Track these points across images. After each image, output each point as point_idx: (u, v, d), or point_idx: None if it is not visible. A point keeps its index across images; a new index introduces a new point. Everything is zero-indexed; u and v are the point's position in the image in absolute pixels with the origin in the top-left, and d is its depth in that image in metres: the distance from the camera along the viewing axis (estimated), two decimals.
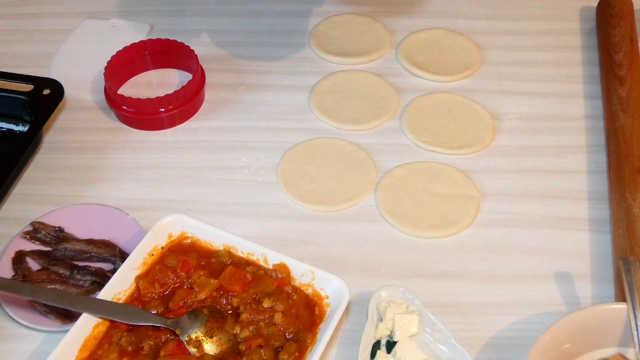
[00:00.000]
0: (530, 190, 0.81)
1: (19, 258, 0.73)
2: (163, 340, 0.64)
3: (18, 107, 0.84)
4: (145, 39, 0.95)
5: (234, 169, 0.83)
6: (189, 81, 0.87)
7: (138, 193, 0.81)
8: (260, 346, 0.63)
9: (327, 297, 0.67)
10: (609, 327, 0.65)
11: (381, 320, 0.67)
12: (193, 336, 0.64)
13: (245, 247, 0.70)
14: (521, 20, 1.02)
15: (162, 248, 0.70)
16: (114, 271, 0.69)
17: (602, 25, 0.96)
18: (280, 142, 0.86)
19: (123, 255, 0.72)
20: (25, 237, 0.75)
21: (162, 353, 0.63)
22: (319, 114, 0.89)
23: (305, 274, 0.68)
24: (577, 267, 0.74)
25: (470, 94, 0.91)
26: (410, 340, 0.66)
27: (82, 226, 0.76)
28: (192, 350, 0.63)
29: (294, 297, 0.66)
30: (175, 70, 0.95)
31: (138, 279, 0.68)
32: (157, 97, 0.85)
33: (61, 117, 0.89)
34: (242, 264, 0.69)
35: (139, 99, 0.85)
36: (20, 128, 0.85)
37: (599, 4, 1.00)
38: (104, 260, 0.73)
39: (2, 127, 0.86)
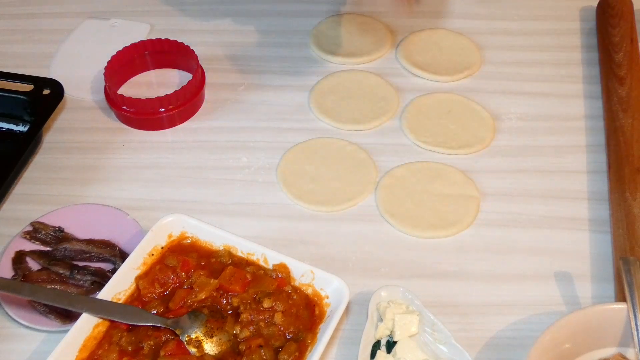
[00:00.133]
0: (530, 190, 0.81)
1: (19, 258, 0.73)
2: (163, 340, 0.64)
3: (18, 107, 0.84)
4: (145, 39, 0.95)
5: (234, 169, 0.83)
6: (189, 81, 0.87)
7: (138, 193, 0.81)
8: (260, 346, 0.63)
9: (327, 297, 0.67)
10: (609, 327, 0.65)
11: (381, 320, 0.67)
12: (193, 336, 0.64)
13: (245, 247, 0.70)
14: (521, 20, 1.02)
15: (162, 248, 0.71)
16: (114, 271, 0.69)
17: (602, 25, 0.96)
18: (280, 142, 0.86)
19: (123, 255, 0.72)
20: (25, 237, 0.75)
21: (162, 353, 0.63)
22: (319, 114, 0.89)
23: (305, 274, 0.68)
24: (577, 267, 0.74)
25: (470, 94, 0.91)
26: (410, 340, 0.66)
27: (82, 226, 0.76)
28: (192, 350, 0.63)
29: (294, 297, 0.66)
30: (175, 70, 0.95)
31: (138, 279, 0.68)
32: (157, 97, 0.85)
33: (61, 117, 0.89)
34: (242, 264, 0.69)
35: (139, 99, 0.85)
36: (20, 128, 0.85)
37: (599, 4, 1.00)
38: (104, 260, 0.73)
39: (2, 127, 0.86)
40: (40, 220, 0.76)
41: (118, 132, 0.87)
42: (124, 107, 0.86)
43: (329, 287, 0.67)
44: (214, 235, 0.71)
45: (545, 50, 0.98)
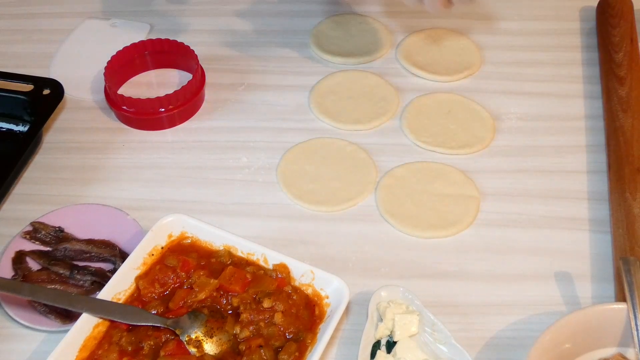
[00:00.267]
0: (530, 190, 0.81)
1: (19, 258, 0.73)
2: (163, 340, 0.64)
3: (18, 107, 0.84)
4: (145, 39, 0.95)
5: (234, 169, 0.83)
6: (189, 81, 0.87)
7: (138, 193, 0.81)
8: (260, 346, 0.63)
9: (327, 297, 0.67)
10: (609, 327, 0.65)
11: (381, 320, 0.67)
12: (193, 336, 0.64)
13: (245, 247, 0.70)
14: (521, 20, 1.02)
15: (162, 248, 0.70)
16: (114, 271, 0.69)
17: (602, 25, 0.96)
18: (280, 142, 0.86)
19: (123, 255, 0.72)
20: (25, 237, 0.75)
21: (162, 353, 0.63)
22: (319, 114, 0.89)
23: (305, 274, 0.68)
24: (577, 267, 0.74)
25: (470, 94, 0.91)
26: (410, 340, 0.66)
27: (82, 226, 0.76)
28: (192, 350, 0.63)
29: (294, 297, 0.66)
30: (175, 70, 0.95)
31: (138, 279, 0.68)
32: (157, 97, 0.85)
33: (61, 117, 0.89)
34: (242, 264, 0.69)
35: (139, 99, 0.85)
36: (20, 128, 0.85)
37: (599, 4, 1.00)
38: (104, 260, 0.73)
39: (2, 127, 0.86)
40: (40, 220, 0.76)
41: (118, 132, 0.87)
42: (124, 107, 0.86)
43: (329, 287, 0.67)
44: (214, 235, 0.71)
45: (545, 50, 0.98)
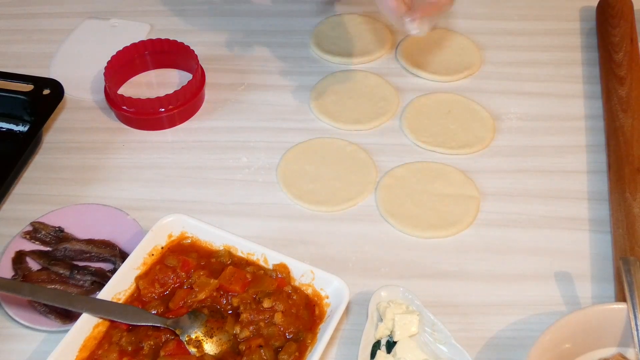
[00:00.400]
0: (530, 190, 0.81)
1: (19, 258, 0.73)
2: (163, 340, 0.64)
3: (18, 107, 0.84)
4: (145, 39, 0.95)
5: (234, 169, 0.83)
6: (189, 81, 0.87)
7: (138, 193, 0.81)
8: (260, 346, 0.63)
9: (327, 297, 0.67)
10: (609, 327, 0.65)
11: (381, 320, 0.67)
12: (193, 336, 0.64)
13: (245, 247, 0.70)
14: (521, 20, 1.02)
15: (162, 248, 0.70)
16: (114, 271, 0.69)
17: (602, 25, 0.96)
18: (280, 142, 0.86)
19: (123, 255, 0.72)
20: (25, 237, 0.75)
21: (162, 353, 0.63)
22: (319, 114, 0.89)
23: (305, 274, 0.68)
24: (577, 267, 0.74)
25: (470, 94, 0.91)
26: (410, 340, 0.66)
27: (82, 226, 0.76)
28: (192, 350, 0.63)
29: (294, 297, 0.66)
30: (175, 70, 0.95)
31: (138, 279, 0.68)
32: (157, 97, 0.85)
33: (61, 117, 0.89)
34: (242, 264, 0.69)
35: (139, 99, 0.85)
36: (20, 128, 0.85)
37: (599, 4, 1.00)
38: (104, 260, 0.73)
39: (2, 127, 0.86)
40: (40, 220, 0.76)
41: (118, 132, 0.87)
42: (124, 107, 0.86)
43: (329, 287, 0.67)
44: (214, 235, 0.71)
45: (545, 50, 0.98)
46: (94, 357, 0.63)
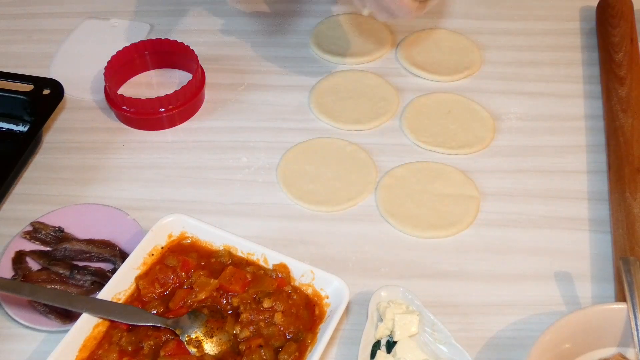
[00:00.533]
0: (530, 190, 0.81)
1: (19, 258, 0.73)
2: (163, 340, 0.64)
3: (18, 107, 0.84)
4: (145, 39, 0.95)
5: (234, 169, 0.83)
6: (189, 81, 0.87)
7: (138, 193, 0.81)
8: (260, 346, 0.63)
9: (327, 297, 0.67)
10: (609, 327, 0.65)
11: (381, 320, 0.67)
12: (193, 336, 0.64)
13: (245, 247, 0.70)
14: (521, 20, 1.02)
15: (162, 248, 0.70)
16: (114, 271, 0.69)
17: (602, 25, 0.96)
18: (280, 142, 0.86)
19: (123, 255, 0.72)
20: (25, 237, 0.75)
21: (162, 353, 0.63)
22: (319, 114, 0.89)
23: (305, 274, 0.68)
24: (577, 267, 0.74)
25: (470, 94, 0.91)
26: (410, 340, 0.66)
27: (82, 226, 0.76)
28: (192, 350, 0.63)
29: (294, 297, 0.66)
30: (175, 70, 0.95)
31: (138, 279, 0.68)
32: (157, 97, 0.85)
33: (61, 117, 0.89)
34: (242, 264, 0.69)
35: (139, 99, 0.85)
36: (20, 128, 0.85)
37: (599, 4, 1.00)
38: (104, 260, 0.73)
39: (2, 127, 0.86)
40: (40, 220, 0.76)
41: (118, 132, 0.87)
42: (124, 107, 0.86)
43: (329, 287, 0.67)
44: (214, 235, 0.71)
45: (545, 50, 0.98)
46: (94, 357, 0.63)
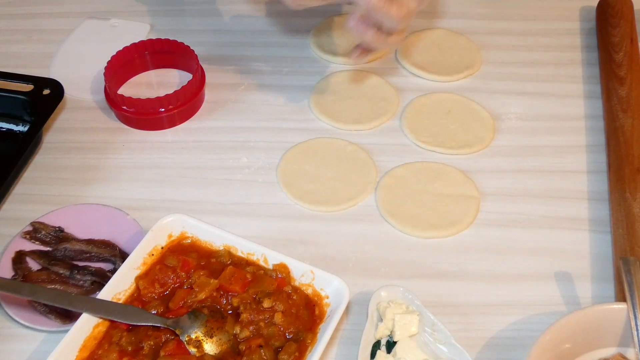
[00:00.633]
0: (530, 190, 0.81)
1: (19, 258, 0.73)
2: (163, 340, 0.64)
3: (18, 107, 0.84)
4: (145, 39, 0.95)
5: (234, 169, 0.83)
6: (189, 81, 0.87)
7: (138, 193, 0.81)
8: (260, 346, 0.63)
9: (327, 297, 0.67)
10: (609, 327, 0.65)
11: (381, 320, 0.67)
12: (193, 336, 0.64)
13: (245, 247, 0.70)
14: (521, 20, 1.02)
15: (162, 248, 0.70)
16: (114, 271, 0.69)
17: (602, 25, 0.96)
18: (280, 142, 0.86)
19: (123, 255, 0.72)
20: (25, 237, 0.75)
21: (162, 353, 0.63)
22: (319, 114, 0.89)
23: (305, 274, 0.68)
24: (577, 267, 0.74)
25: (470, 94, 0.91)
26: (410, 340, 0.66)
27: (82, 226, 0.76)
28: (192, 350, 0.63)
29: (294, 297, 0.66)
30: (175, 70, 0.95)
31: (138, 279, 0.68)
32: (157, 97, 0.85)
33: (61, 117, 0.89)
34: (242, 264, 0.69)
35: (139, 99, 0.85)
36: (20, 128, 0.85)
37: (599, 4, 1.00)
38: (104, 260, 0.73)
39: (2, 127, 0.86)
40: (40, 220, 0.76)
41: (118, 132, 0.87)
42: (124, 107, 0.86)
43: (329, 287, 0.67)
44: (214, 235, 0.71)
45: (545, 50, 0.98)
46: (94, 357, 0.63)
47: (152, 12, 1.04)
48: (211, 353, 0.63)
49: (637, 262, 0.66)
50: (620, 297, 0.68)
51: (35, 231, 0.75)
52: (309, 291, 0.68)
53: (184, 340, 0.64)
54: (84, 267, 0.72)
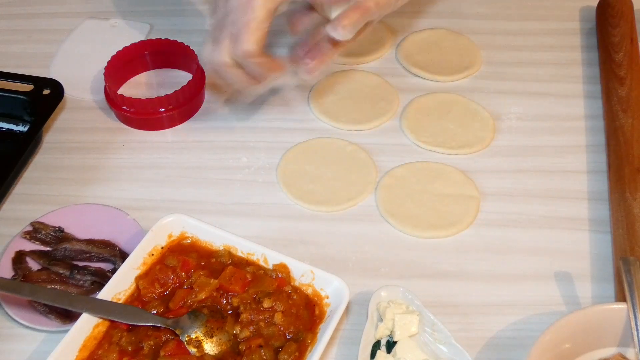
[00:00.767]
0: (530, 190, 0.81)
1: (19, 258, 0.73)
2: (163, 340, 0.64)
3: (18, 107, 0.84)
4: (145, 39, 0.95)
5: (234, 169, 0.83)
6: (189, 81, 0.87)
7: (138, 193, 0.81)
8: (260, 346, 0.63)
9: (327, 297, 0.67)
10: (609, 327, 0.65)
11: (381, 320, 0.67)
12: (193, 336, 0.64)
13: (245, 247, 0.70)
14: (521, 20, 1.02)
15: (162, 248, 0.71)
16: (114, 271, 0.69)
17: (602, 25, 0.96)
18: (280, 142, 0.86)
19: (123, 255, 0.72)
20: (25, 237, 0.75)
21: (162, 353, 0.63)
22: (319, 114, 0.89)
23: (305, 274, 0.68)
24: (577, 267, 0.74)
25: (470, 94, 0.91)
26: (410, 340, 0.66)
27: (82, 226, 0.76)
28: (192, 350, 0.63)
29: (294, 297, 0.66)
30: (175, 70, 0.95)
31: (138, 279, 0.68)
32: (157, 97, 0.85)
33: (61, 117, 0.89)
34: (242, 264, 0.69)
35: (139, 99, 0.85)
36: (20, 128, 0.85)
37: (599, 4, 1.00)
38: (104, 260, 0.73)
39: (2, 127, 0.86)
40: (40, 220, 0.76)
41: (118, 132, 0.87)
42: (124, 107, 0.86)
43: (329, 287, 0.67)
44: (214, 235, 0.71)
45: (545, 50, 0.98)
46: (94, 357, 0.63)
47: (152, 12, 1.04)
48: (211, 353, 0.63)
49: (637, 262, 0.66)
50: (620, 297, 0.68)
51: (35, 231, 0.75)
52: (309, 291, 0.68)
53: (184, 340, 0.64)
54: (84, 267, 0.72)
